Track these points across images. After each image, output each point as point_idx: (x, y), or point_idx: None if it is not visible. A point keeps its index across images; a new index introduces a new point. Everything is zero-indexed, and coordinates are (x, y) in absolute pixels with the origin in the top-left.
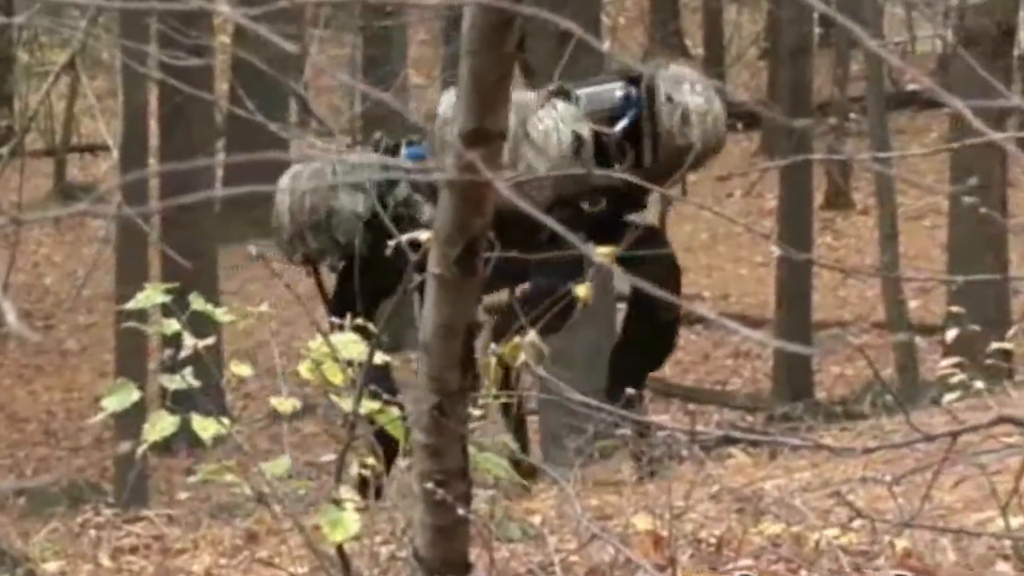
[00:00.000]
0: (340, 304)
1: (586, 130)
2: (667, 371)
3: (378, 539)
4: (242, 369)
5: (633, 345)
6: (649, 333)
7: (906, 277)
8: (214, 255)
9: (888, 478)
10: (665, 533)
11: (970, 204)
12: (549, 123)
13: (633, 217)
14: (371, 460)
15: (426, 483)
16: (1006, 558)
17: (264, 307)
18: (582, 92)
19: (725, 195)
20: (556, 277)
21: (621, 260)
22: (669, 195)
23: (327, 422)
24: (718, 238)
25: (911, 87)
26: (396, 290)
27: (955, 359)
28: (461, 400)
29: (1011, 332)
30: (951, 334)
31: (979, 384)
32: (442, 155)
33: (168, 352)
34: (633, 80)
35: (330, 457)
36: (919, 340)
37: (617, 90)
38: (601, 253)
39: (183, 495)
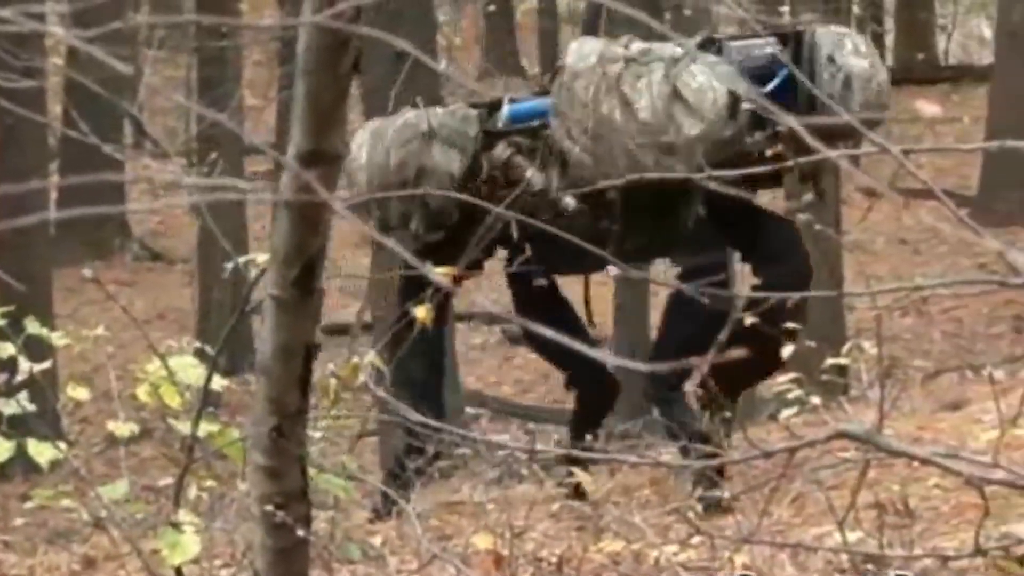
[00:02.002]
0: (413, 282)
1: (743, 88)
2: (506, 390)
3: (217, 562)
4: (78, 393)
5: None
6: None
7: (741, 294)
8: (48, 278)
9: (727, 494)
10: (506, 552)
11: (805, 221)
12: (703, 80)
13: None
14: (210, 482)
15: (265, 505)
16: (843, 572)
17: (100, 330)
18: (732, 44)
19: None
20: (708, 257)
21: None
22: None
23: (165, 445)
24: None
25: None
26: (482, 267)
27: (792, 375)
28: (300, 421)
29: (846, 348)
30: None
31: (815, 399)
32: (569, 109)
33: (2, 376)
34: (786, 38)
35: (168, 480)
36: None
37: (768, 46)
38: (440, 272)
39: (19, 521)
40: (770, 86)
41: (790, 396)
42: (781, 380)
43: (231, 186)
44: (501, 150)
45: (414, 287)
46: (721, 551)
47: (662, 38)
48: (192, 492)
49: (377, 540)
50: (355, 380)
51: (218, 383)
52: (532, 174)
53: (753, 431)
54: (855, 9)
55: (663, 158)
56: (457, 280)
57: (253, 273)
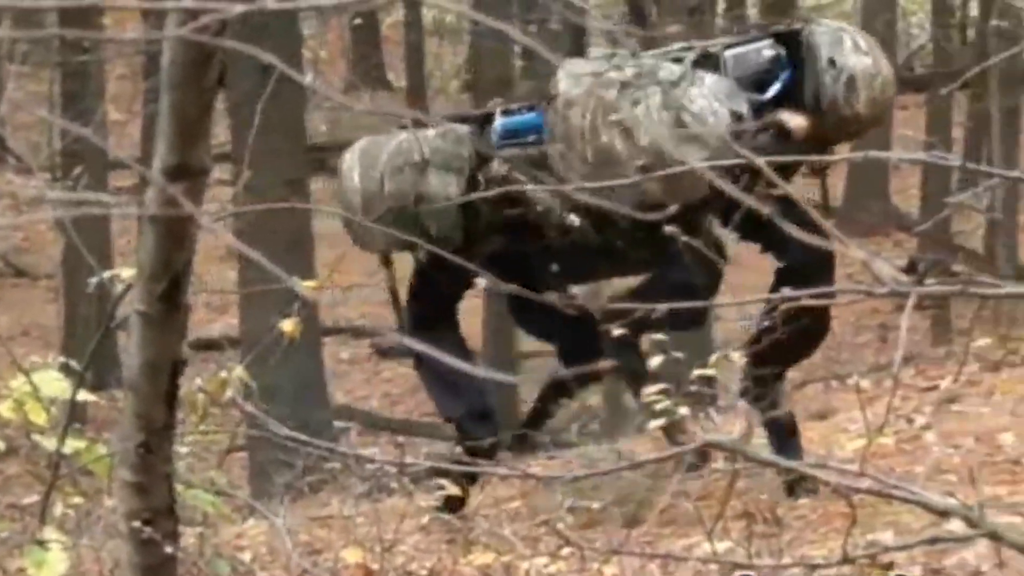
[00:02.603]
0: (418, 304)
1: (743, 105)
2: (375, 403)
3: None
4: None
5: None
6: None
7: (610, 306)
8: None
9: (596, 505)
10: (376, 566)
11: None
12: (703, 103)
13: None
14: (77, 499)
15: (133, 521)
16: None
17: None
18: (728, 55)
19: None
20: (687, 272)
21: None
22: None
23: (30, 462)
24: None
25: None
26: (474, 286)
27: (660, 386)
28: (167, 437)
29: (713, 359)
30: (655, 361)
31: (683, 410)
32: (566, 139)
33: None
34: (782, 38)
35: (34, 498)
36: None
37: (765, 50)
38: (307, 286)
39: None
40: (771, 91)
41: (659, 407)
42: (649, 391)
43: (96, 201)
44: (497, 167)
45: (426, 293)
46: (591, 562)
47: (647, 48)
48: (58, 509)
49: (247, 555)
50: (223, 395)
51: (84, 398)
52: (531, 190)
53: (622, 443)
54: (719, 21)
55: (670, 183)
56: (458, 296)
57: (119, 288)
